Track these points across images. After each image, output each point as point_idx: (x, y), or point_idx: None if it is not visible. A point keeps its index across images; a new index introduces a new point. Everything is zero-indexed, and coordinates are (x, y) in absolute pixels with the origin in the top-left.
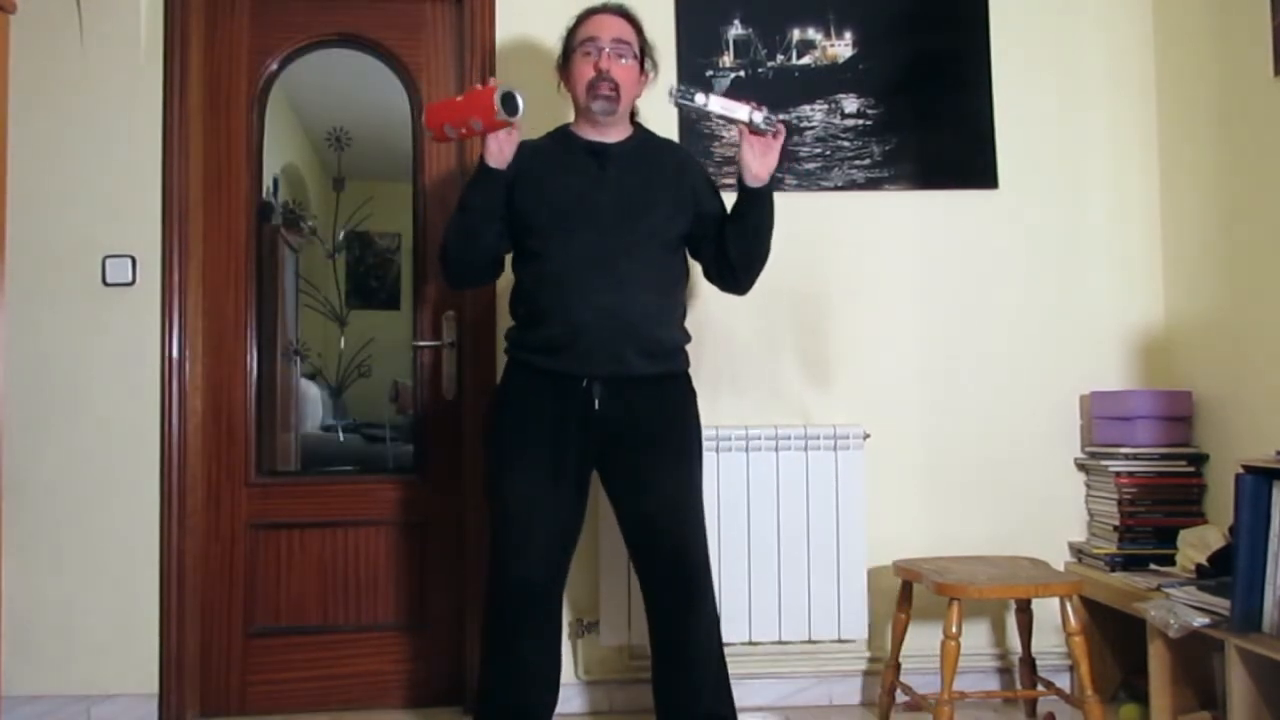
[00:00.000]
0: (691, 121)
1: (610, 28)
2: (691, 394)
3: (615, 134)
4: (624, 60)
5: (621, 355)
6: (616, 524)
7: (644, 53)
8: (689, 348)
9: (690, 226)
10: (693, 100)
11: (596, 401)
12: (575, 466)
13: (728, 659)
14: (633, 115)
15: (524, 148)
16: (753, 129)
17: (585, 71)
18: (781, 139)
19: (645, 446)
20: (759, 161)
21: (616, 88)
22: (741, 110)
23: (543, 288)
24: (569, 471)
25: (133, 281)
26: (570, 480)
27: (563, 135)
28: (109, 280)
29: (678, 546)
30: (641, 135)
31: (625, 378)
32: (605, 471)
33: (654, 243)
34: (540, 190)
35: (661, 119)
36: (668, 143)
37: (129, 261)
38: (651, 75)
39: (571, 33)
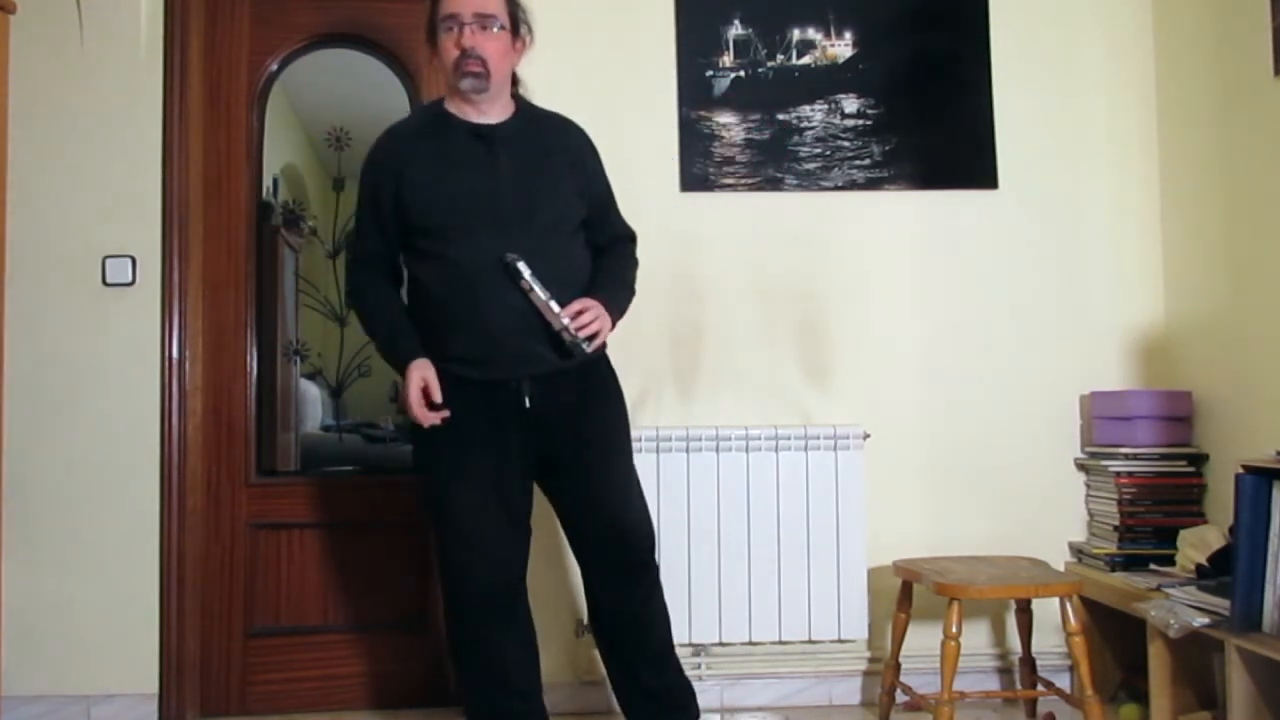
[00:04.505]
0: (690, 120)
1: (471, 1)
2: (613, 374)
3: (497, 112)
4: (491, 31)
5: (541, 355)
6: None
7: (516, 20)
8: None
9: (588, 211)
10: (518, 279)
11: (527, 399)
12: (517, 465)
13: (728, 659)
14: (515, 86)
15: (399, 134)
16: (557, 335)
17: (449, 50)
18: (596, 346)
19: (579, 434)
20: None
21: (484, 63)
22: (555, 320)
23: (450, 294)
24: (512, 472)
25: (133, 281)
26: (512, 478)
27: (439, 116)
28: (109, 280)
29: (626, 527)
30: (526, 112)
31: (549, 374)
32: (543, 466)
33: (559, 232)
34: (431, 189)
35: (654, 114)
36: (556, 118)
37: (129, 261)
38: (528, 41)
39: (434, 7)
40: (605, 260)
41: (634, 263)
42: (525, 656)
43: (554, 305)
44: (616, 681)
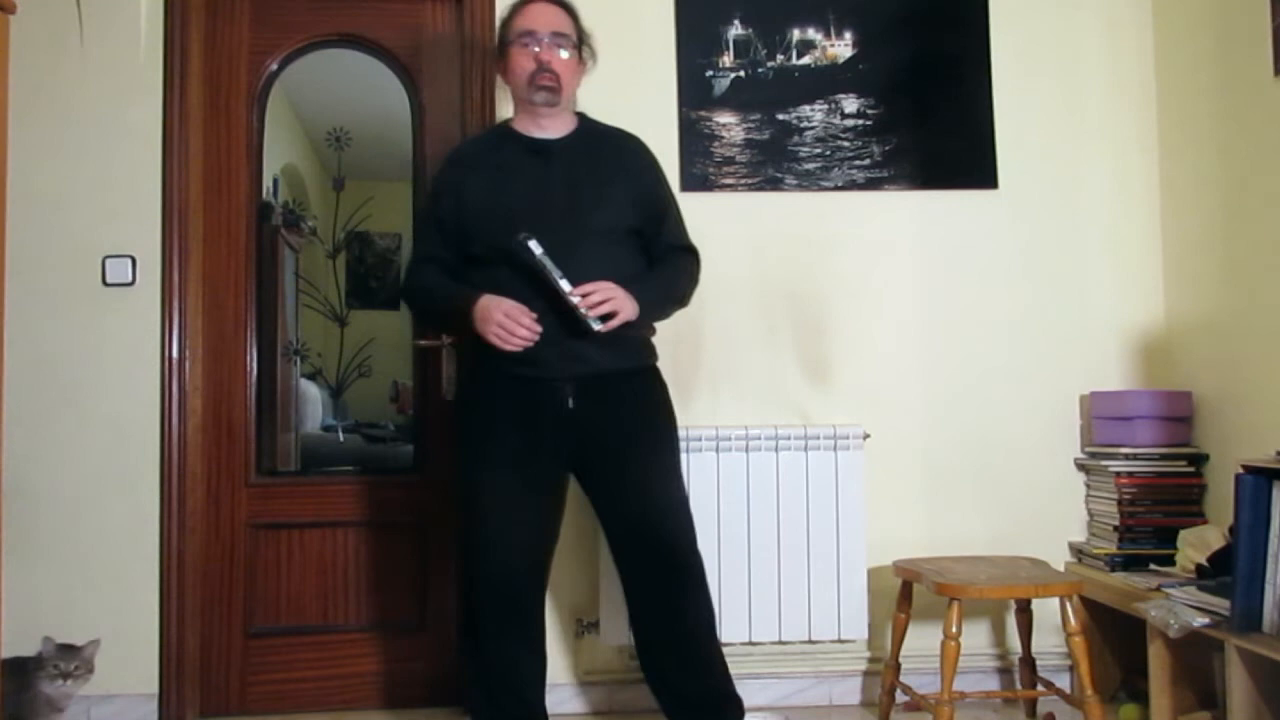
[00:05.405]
0: (690, 120)
1: (548, 20)
2: (663, 386)
3: (558, 128)
4: (563, 52)
5: (585, 356)
6: None
7: (581, 42)
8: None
9: (642, 220)
10: (531, 256)
11: (569, 400)
12: (550, 467)
13: (728, 659)
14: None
15: (464, 149)
16: (575, 314)
17: (525, 64)
18: (611, 326)
19: (622, 443)
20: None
21: (558, 78)
22: (565, 297)
23: (503, 296)
24: (544, 472)
25: (133, 281)
26: (545, 481)
27: (503, 133)
28: (109, 280)
29: (669, 538)
30: (586, 126)
31: (594, 376)
32: (583, 471)
33: (607, 238)
34: (485, 201)
35: (654, 114)
36: (616, 132)
37: (129, 261)
38: (590, 64)
39: (507, 24)
40: (656, 266)
41: (685, 273)
42: (535, 662)
43: (565, 284)
44: (654, 687)
